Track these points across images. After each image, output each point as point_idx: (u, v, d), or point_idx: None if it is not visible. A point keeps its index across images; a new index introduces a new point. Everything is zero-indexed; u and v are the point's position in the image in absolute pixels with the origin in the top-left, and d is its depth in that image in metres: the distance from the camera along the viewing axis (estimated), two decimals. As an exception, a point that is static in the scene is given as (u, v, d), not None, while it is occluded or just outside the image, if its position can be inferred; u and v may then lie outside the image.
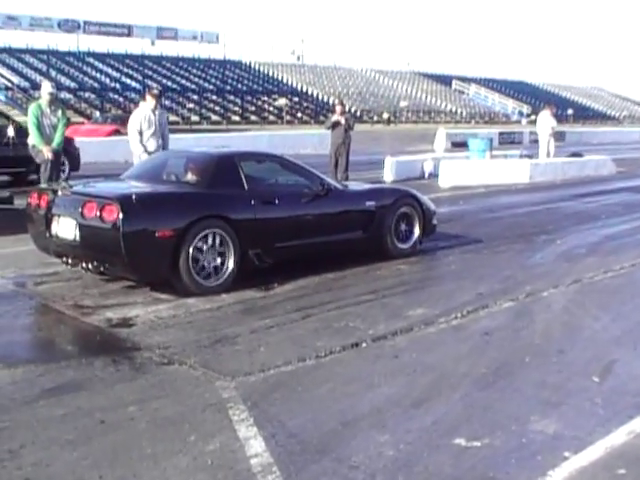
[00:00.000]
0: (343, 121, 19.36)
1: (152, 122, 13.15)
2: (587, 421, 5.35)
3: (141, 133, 13.04)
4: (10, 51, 66.45)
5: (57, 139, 13.09)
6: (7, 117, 21.67)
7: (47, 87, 13.31)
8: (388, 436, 5.00)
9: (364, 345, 6.92)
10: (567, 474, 4.56)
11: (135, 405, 5.48)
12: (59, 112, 13.21)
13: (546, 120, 26.46)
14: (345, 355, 6.68)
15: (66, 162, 17.90)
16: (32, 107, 13.16)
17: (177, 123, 54.92)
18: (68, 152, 17.45)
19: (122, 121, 38.93)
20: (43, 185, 11.18)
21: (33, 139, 13.04)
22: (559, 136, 33.78)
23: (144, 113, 13.22)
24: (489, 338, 7.21)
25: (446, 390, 5.86)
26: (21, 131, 17.15)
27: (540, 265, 10.56)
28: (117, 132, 35.50)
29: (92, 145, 28.76)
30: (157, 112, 13.33)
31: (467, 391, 5.85)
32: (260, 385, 5.91)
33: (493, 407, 5.55)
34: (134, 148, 13.21)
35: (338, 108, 19.88)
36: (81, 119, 53.02)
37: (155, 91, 14.24)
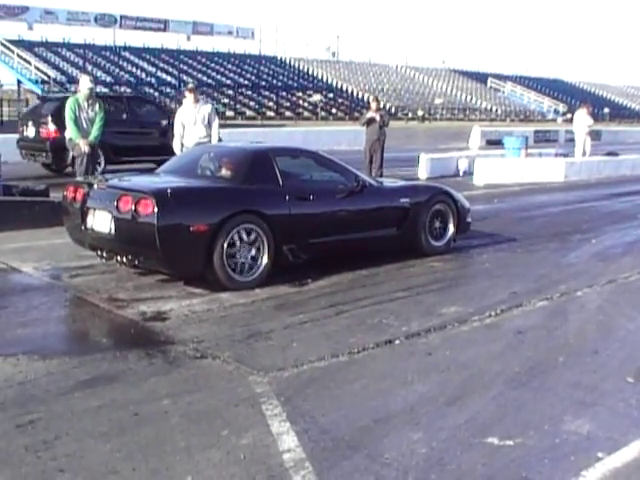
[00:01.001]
0: (378, 118, 19.31)
1: (192, 116, 13.40)
2: (621, 422, 5.32)
3: (183, 129, 13.37)
4: (47, 45, 66.75)
5: (94, 132, 13.17)
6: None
7: (86, 81, 13.37)
8: (421, 434, 5.00)
9: (397, 342, 6.92)
10: (601, 475, 4.54)
11: (169, 398, 5.51)
12: (96, 106, 13.29)
13: (582, 119, 26.29)
14: (378, 352, 6.67)
15: (102, 156, 18.04)
16: (70, 101, 13.23)
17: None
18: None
19: None
20: (79, 178, 11.23)
21: (70, 132, 13.13)
22: (595, 135, 33.54)
23: (184, 108, 13.62)
24: (523, 337, 7.18)
25: (479, 389, 5.85)
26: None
27: (574, 264, 10.50)
28: None
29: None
30: (197, 106, 13.55)
31: (500, 390, 5.83)
32: (293, 380, 5.92)
33: (526, 406, 5.53)
34: (174, 143, 13.69)
35: (373, 105, 19.83)
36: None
37: (190, 85, 14.58)
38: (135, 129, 20.81)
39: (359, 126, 21.31)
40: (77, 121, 13.02)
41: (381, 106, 20.80)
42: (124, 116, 20.85)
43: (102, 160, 18.50)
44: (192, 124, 13.42)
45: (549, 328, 7.50)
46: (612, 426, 5.23)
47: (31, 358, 6.31)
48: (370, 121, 19.41)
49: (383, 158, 19.55)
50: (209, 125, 13.60)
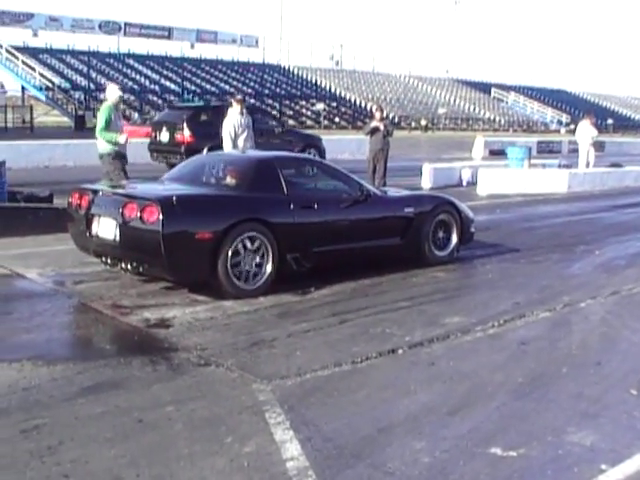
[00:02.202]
0: (382, 127, 19.32)
1: (242, 125, 13.59)
2: (624, 434, 5.33)
3: (234, 137, 13.47)
4: (51, 52, 66.96)
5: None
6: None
7: (114, 90, 13.37)
8: (424, 443, 5.01)
9: (400, 352, 6.93)
10: (604, 487, 4.55)
11: (172, 405, 5.52)
12: (121, 114, 13.38)
13: (586, 129, 26.29)
14: (381, 361, 6.68)
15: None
16: (105, 107, 13.18)
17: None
18: None
19: None
20: (85, 185, 11.24)
21: (108, 137, 12.97)
22: (599, 146, 33.54)
23: (235, 118, 13.82)
24: (526, 348, 7.19)
25: (482, 399, 5.85)
26: None
27: (578, 276, 10.50)
28: None
29: (130, 147, 28.93)
30: (244, 116, 13.73)
31: (503, 400, 5.84)
32: (296, 389, 5.93)
33: (529, 417, 5.54)
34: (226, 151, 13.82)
35: (377, 114, 19.83)
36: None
37: (239, 97, 14.83)
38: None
39: (362, 135, 21.31)
40: (110, 127, 12.95)
41: (385, 116, 20.80)
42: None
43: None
44: (242, 133, 13.56)
45: (552, 339, 7.51)
46: (615, 438, 5.23)
47: (35, 364, 6.32)
48: (374, 130, 19.41)
49: (386, 168, 19.54)
50: (250, 135, 13.78)
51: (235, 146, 13.62)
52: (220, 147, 16.54)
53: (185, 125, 22.19)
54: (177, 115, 23.50)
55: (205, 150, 19.15)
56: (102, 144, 12.96)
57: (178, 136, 22.24)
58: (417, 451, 4.89)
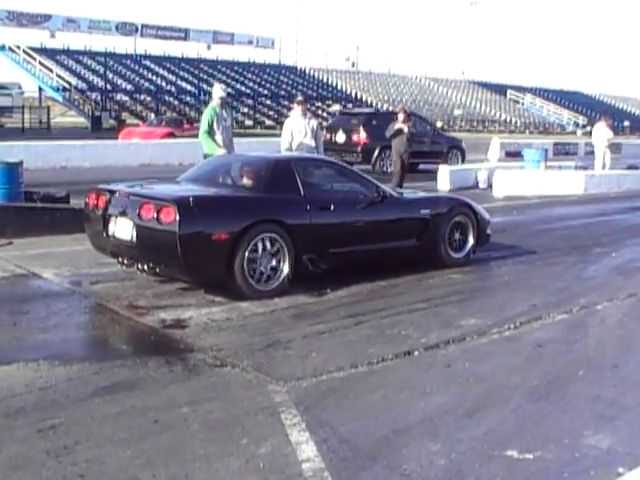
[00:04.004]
0: (406, 129, 19.34)
1: (301, 128, 13.52)
2: (642, 437, 5.30)
3: (291, 139, 13.50)
4: (69, 53, 67.09)
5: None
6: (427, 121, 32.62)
7: (218, 90, 13.39)
8: (440, 445, 4.99)
9: (416, 353, 6.92)
10: (622, 490, 4.53)
11: (188, 406, 5.53)
12: (230, 114, 13.49)
13: (602, 131, 26.20)
14: (397, 363, 6.67)
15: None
16: (207, 110, 13.23)
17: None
18: None
19: (176, 124, 39.18)
20: (101, 185, 11.27)
21: (205, 147, 13.03)
22: (615, 148, 33.38)
23: (293, 120, 13.79)
24: (542, 350, 7.16)
25: (498, 401, 5.84)
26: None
27: (594, 278, 10.46)
28: (171, 135, 35.64)
29: (147, 147, 29.13)
30: (306, 118, 13.65)
31: (520, 403, 5.82)
32: (312, 390, 5.93)
33: (546, 420, 5.52)
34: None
35: (401, 116, 19.79)
36: (136, 121, 53.59)
37: (300, 98, 14.62)
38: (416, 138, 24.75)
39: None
40: (210, 133, 12.99)
41: (409, 117, 20.76)
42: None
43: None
44: (302, 136, 13.51)
45: (569, 341, 7.48)
46: (633, 441, 5.21)
47: (52, 363, 6.35)
48: (398, 132, 19.42)
49: (407, 170, 19.69)
50: (314, 138, 13.69)
51: (291, 148, 13.52)
52: (389, 148, 21.61)
53: (361, 128, 26.69)
54: (351, 120, 28.21)
55: (377, 150, 25.68)
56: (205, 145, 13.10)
57: (355, 137, 26.71)
58: (433, 453, 4.88)
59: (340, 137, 27.23)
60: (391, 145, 20.20)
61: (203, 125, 13.10)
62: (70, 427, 5.11)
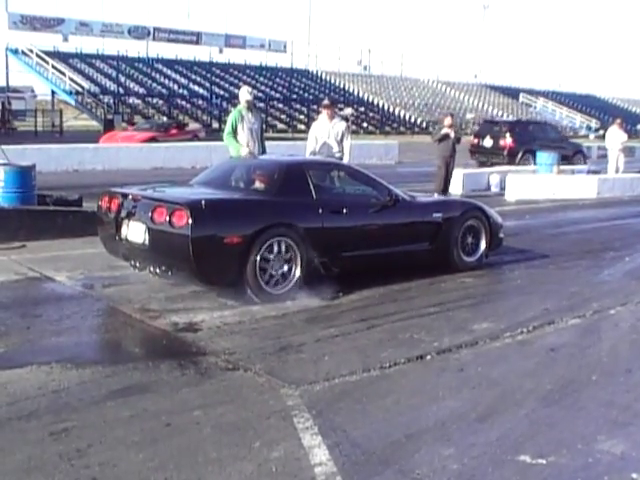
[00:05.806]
0: (452, 134, 19.34)
1: (326, 131, 13.54)
2: (655, 442, 5.27)
3: (315, 142, 13.60)
4: (81, 56, 67.24)
5: (262, 146, 13.41)
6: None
7: (244, 93, 13.40)
8: (452, 450, 4.98)
9: (429, 357, 6.91)
10: (635, 496, 4.50)
11: (200, 409, 5.54)
12: (258, 117, 13.51)
13: (615, 135, 26.13)
14: (410, 367, 6.66)
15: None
16: (233, 112, 13.31)
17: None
18: None
19: (163, 129, 38.14)
20: (114, 189, 11.30)
21: (231, 150, 13.03)
22: (629, 151, 33.32)
23: (319, 124, 13.81)
24: (555, 355, 7.14)
25: (511, 406, 5.82)
26: None
27: (607, 282, 10.42)
28: (153, 139, 34.75)
29: (159, 150, 29.18)
30: (333, 122, 13.63)
31: (532, 407, 5.80)
32: (325, 394, 5.92)
33: (559, 425, 5.50)
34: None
35: (447, 121, 19.79)
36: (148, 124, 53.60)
37: (325, 102, 14.63)
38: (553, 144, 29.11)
39: (431, 141, 21.39)
40: (235, 136, 12.97)
41: (454, 123, 20.71)
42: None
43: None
44: (326, 139, 13.49)
45: (582, 346, 7.46)
46: (646, 446, 5.19)
47: (64, 367, 6.36)
48: (444, 137, 19.43)
49: (451, 175, 19.95)
50: (341, 142, 13.64)
51: (315, 152, 13.48)
52: (530, 151, 27.63)
53: (508, 134, 30.34)
54: (494, 127, 32.31)
55: (520, 153, 29.50)
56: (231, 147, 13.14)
57: (502, 142, 30.24)
58: (445, 458, 4.87)
59: (487, 142, 30.93)
60: (532, 149, 24.87)
61: (227, 127, 13.19)
62: (83, 430, 5.12)
